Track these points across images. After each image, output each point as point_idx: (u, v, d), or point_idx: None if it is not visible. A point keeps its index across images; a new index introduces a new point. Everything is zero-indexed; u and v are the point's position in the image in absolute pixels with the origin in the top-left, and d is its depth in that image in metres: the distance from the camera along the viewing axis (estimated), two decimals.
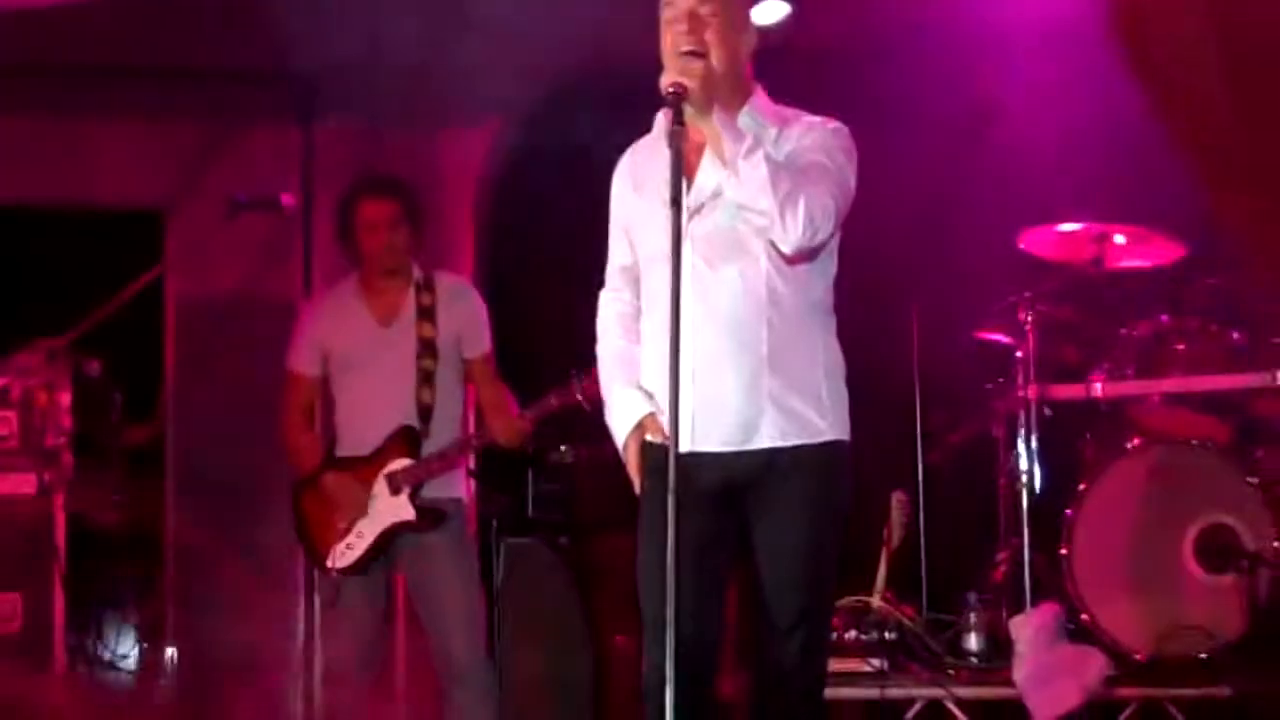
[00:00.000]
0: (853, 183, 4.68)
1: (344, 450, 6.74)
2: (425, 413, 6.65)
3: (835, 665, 6.11)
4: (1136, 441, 6.95)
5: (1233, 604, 6.57)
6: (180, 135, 8.98)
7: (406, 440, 6.62)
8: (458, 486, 6.76)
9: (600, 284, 5.02)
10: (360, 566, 6.60)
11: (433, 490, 6.65)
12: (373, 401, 6.68)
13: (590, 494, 7.97)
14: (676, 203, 4.33)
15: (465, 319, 6.79)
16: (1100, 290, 7.12)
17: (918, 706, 6.58)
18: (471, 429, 6.93)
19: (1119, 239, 7.06)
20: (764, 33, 4.85)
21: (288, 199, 6.76)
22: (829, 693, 4.84)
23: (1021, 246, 7.22)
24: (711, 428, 4.64)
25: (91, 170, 8.92)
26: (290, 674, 8.24)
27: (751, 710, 5.08)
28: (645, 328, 4.80)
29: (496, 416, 6.67)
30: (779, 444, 4.64)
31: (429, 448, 6.63)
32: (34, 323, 7.38)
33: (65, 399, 7.42)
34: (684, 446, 4.40)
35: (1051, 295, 7.05)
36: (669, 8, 4.66)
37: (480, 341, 6.81)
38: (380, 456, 6.63)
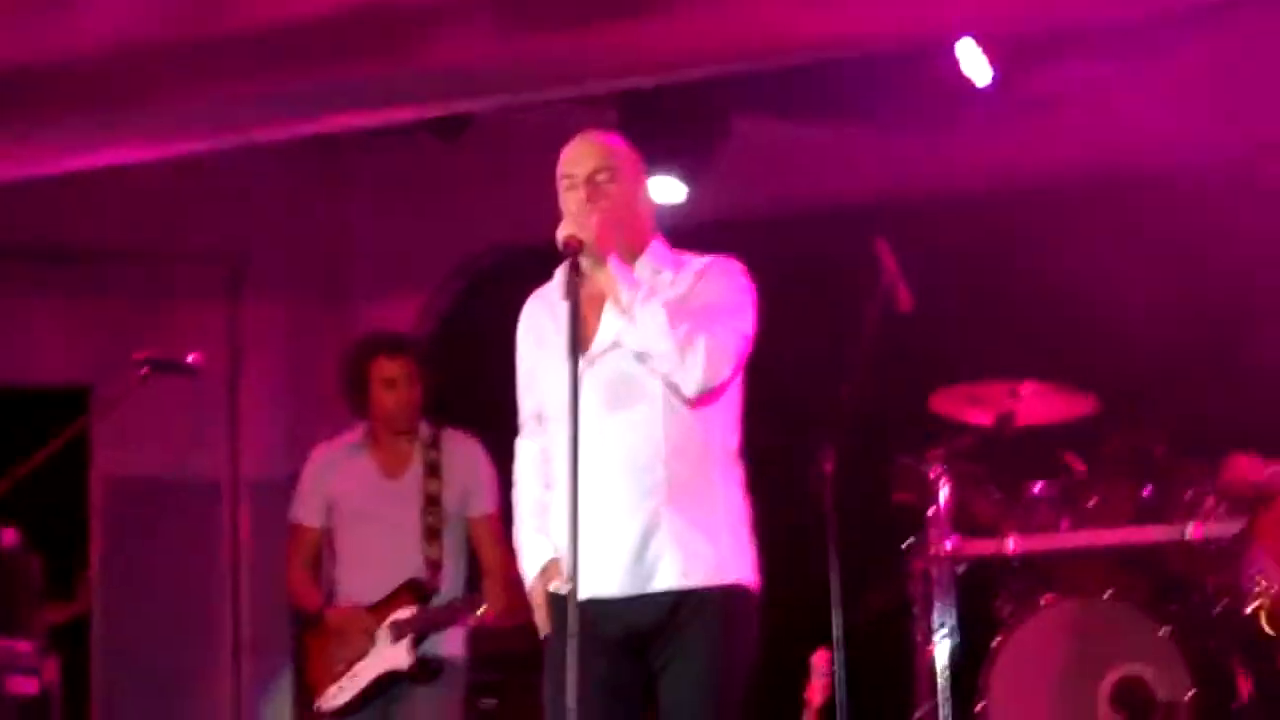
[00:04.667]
0: (751, 320, 4.74)
1: (345, 601, 6.70)
2: (434, 568, 6.63)
3: None
4: (1049, 597, 6.98)
5: None
6: (107, 312, 9.03)
7: (414, 591, 6.59)
8: (459, 645, 6.69)
9: None
10: (349, 709, 6.56)
11: (434, 645, 6.60)
12: (378, 554, 6.66)
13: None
14: (574, 354, 4.42)
15: (472, 477, 6.75)
16: (1011, 446, 7.18)
17: None
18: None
19: (1028, 394, 7.12)
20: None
21: (196, 358, 6.70)
22: None
23: (932, 408, 7.28)
24: (612, 572, 4.63)
25: (19, 348, 8.95)
26: None
27: None
28: (554, 474, 4.82)
29: (495, 584, 6.59)
30: (680, 585, 4.62)
31: (437, 603, 6.61)
32: None
33: None
34: (585, 594, 4.42)
35: (962, 453, 7.11)
36: (567, 178, 4.76)
37: (484, 501, 6.74)
38: (387, 604, 6.59)
